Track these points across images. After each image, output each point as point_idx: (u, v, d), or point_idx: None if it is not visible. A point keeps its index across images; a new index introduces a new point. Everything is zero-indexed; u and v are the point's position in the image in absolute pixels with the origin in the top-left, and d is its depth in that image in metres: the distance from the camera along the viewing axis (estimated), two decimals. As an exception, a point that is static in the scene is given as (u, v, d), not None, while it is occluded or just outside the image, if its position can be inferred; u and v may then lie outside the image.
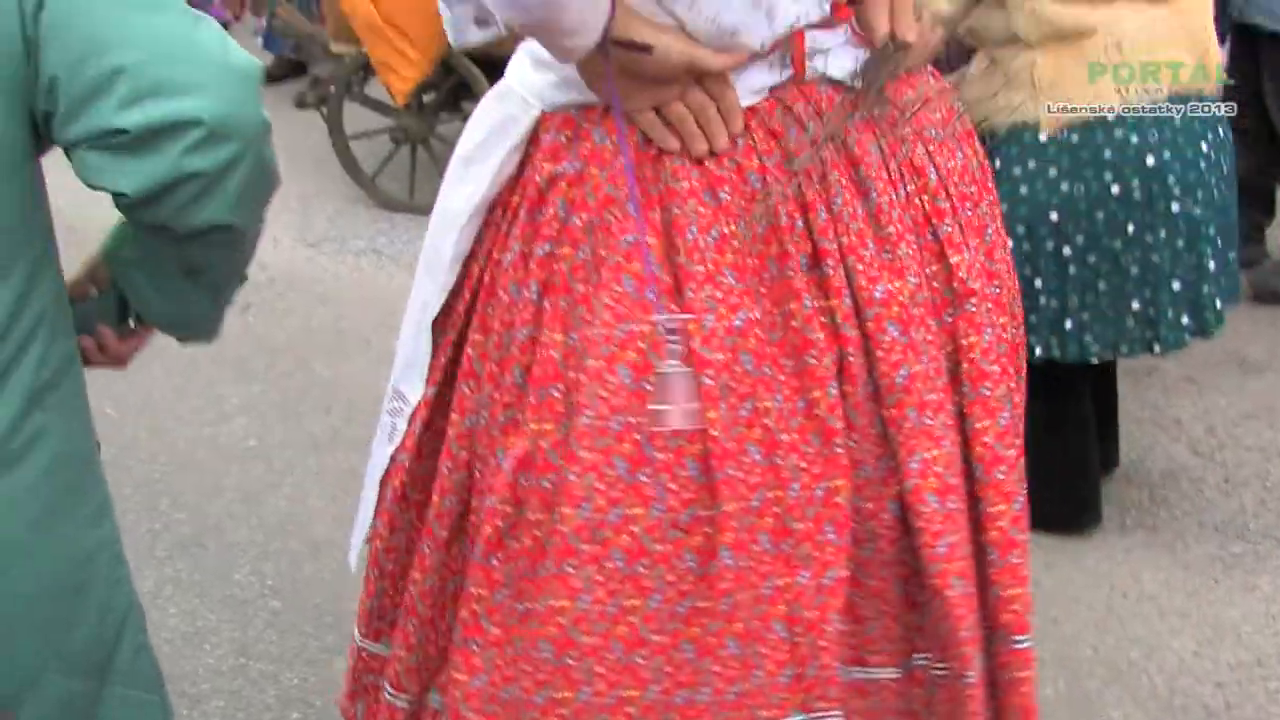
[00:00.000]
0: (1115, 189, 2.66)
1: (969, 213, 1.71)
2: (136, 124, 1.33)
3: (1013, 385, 1.73)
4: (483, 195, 1.76)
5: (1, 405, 1.42)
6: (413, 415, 1.85)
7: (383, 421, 1.92)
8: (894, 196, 1.63)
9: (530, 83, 1.72)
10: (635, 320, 1.56)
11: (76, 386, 1.55)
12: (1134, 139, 2.64)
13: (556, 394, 1.62)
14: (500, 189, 1.75)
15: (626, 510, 1.57)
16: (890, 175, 1.63)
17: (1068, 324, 2.73)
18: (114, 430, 3.58)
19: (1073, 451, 3.01)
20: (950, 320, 1.66)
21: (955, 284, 1.66)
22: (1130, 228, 2.68)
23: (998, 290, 1.72)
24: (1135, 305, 2.73)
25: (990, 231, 1.74)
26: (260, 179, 1.44)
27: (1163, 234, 2.69)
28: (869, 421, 1.62)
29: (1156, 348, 2.79)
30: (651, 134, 1.60)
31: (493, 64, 4.65)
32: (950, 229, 1.67)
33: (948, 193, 1.68)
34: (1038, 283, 2.73)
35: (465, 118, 2.09)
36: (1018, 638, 1.70)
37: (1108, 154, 2.65)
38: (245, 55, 1.40)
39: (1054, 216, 2.69)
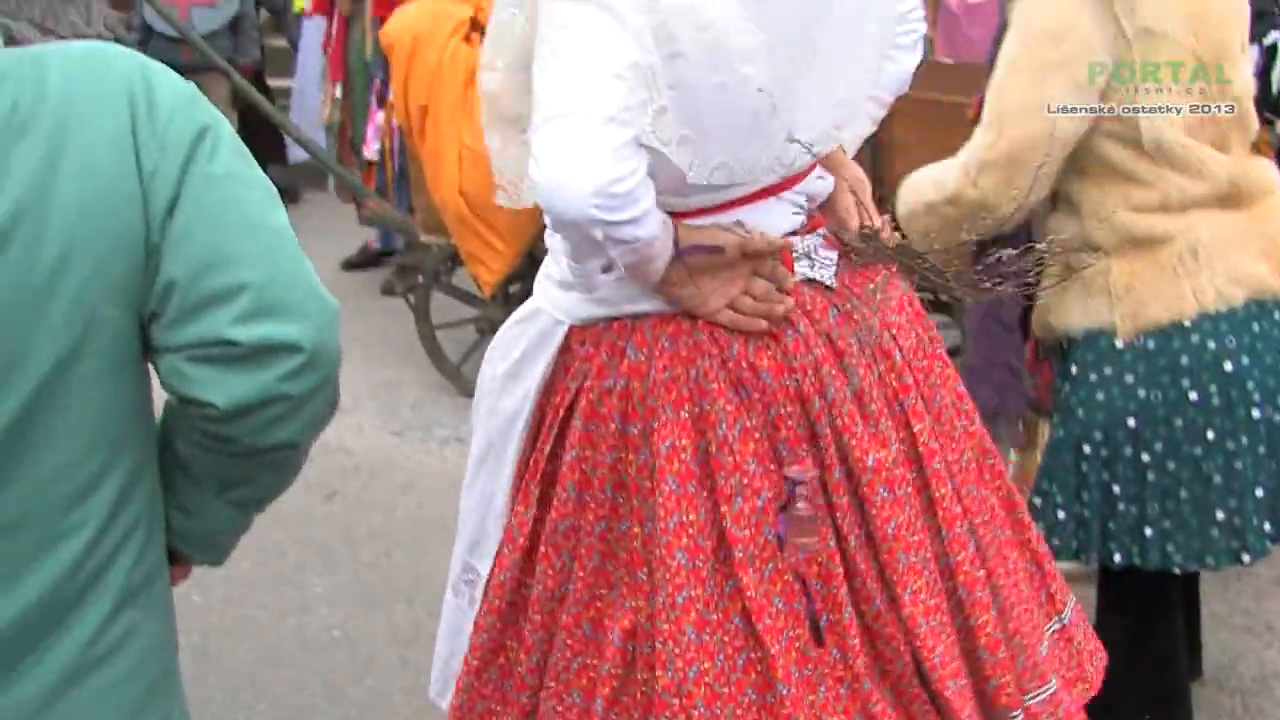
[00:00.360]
0: (1193, 395, 2.65)
1: (923, 384, 2.11)
2: (250, 339, 1.38)
3: (978, 521, 2.13)
4: (532, 404, 2.13)
5: (94, 604, 1.46)
6: (487, 584, 2.21)
7: (458, 589, 2.32)
8: (871, 379, 2.03)
9: (558, 302, 2.10)
10: (681, 512, 1.95)
11: (166, 587, 1.59)
12: (1211, 345, 2.65)
13: (643, 577, 2.00)
14: (542, 395, 2.12)
15: (700, 666, 1.95)
16: (866, 360, 2.03)
17: (1148, 532, 2.69)
18: (198, 617, 3.63)
19: (1162, 662, 2.93)
20: (916, 477, 2.05)
21: (920, 448, 2.06)
22: (1210, 434, 2.66)
23: (945, 446, 2.11)
24: (1220, 515, 2.69)
25: (938, 397, 2.14)
26: (330, 408, 1.51)
27: (1244, 440, 2.67)
28: (869, 566, 2.01)
29: (1245, 558, 2.73)
30: (736, 327, 1.97)
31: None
32: (914, 401, 2.07)
33: (910, 368, 2.09)
34: (1115, 489, 2.71)
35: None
36: (1015, 713, 2.12)
37: (1185, 360, 2.65)
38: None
39: (1132, 423, 2.68)
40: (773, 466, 1.97)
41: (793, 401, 1.97)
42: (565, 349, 2.10)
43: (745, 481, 1.95)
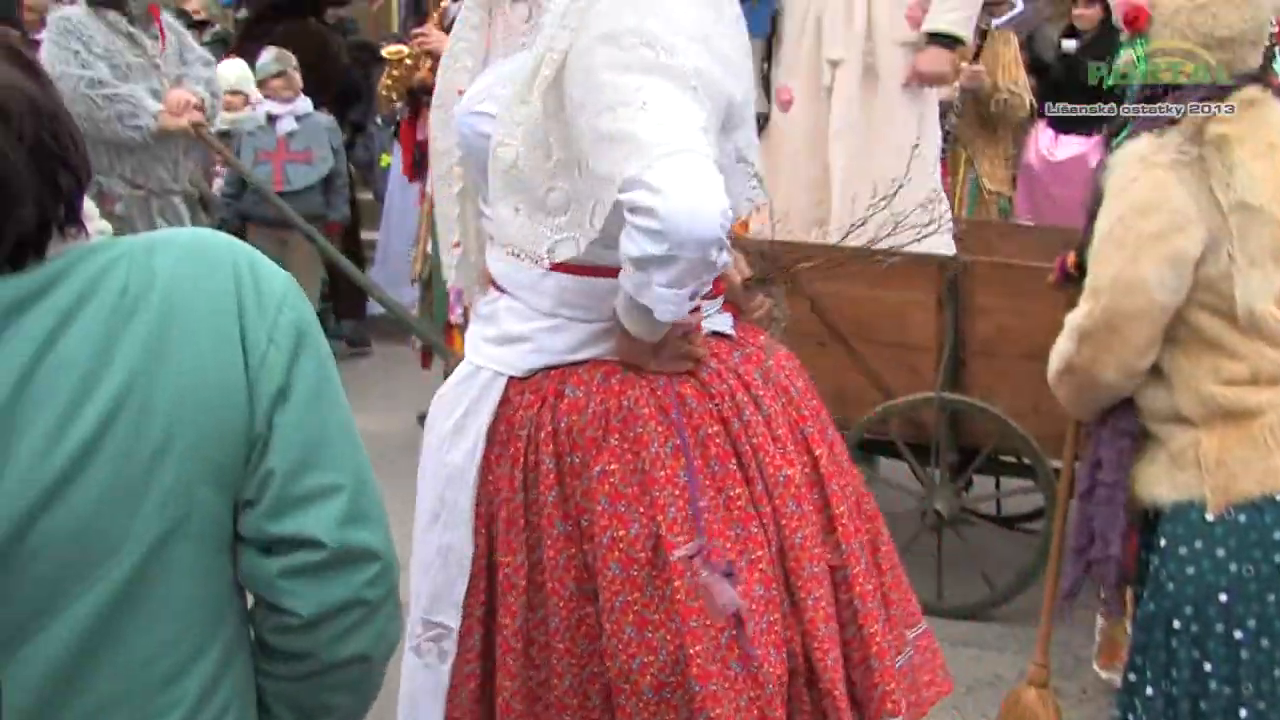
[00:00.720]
0: (1286, 570, 2.60)
1: (815, 419, 2.41)
2: (341, 543, 1.42)
3: (864, 539, 2.40)
4: (480, 454, 2.34)
5: None
6: (464, 634, 2.37)
7: (421, 649, 2.42)
8: (776, 408, 2.33)
9: (497, 357, 2.36)
10: (613, 528, 2.19)
11: None
12: (1304, 520, 2.60)
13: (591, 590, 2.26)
14: (488, 447, 2.33)
15: (643, 660, 2.19)
16: (771, 393, 2.34)
17: (1242, 713, 2.62)
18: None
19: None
20: (818, 496, 2.33)
21: (821, 470, 2.35)
22: (1304, 610, 2.60)
23: (839, 472, 2.41)
24: (1314, 693, 2.61)
25: (829, 433, 2.44)
26: (398, 621, 1.54)
27: (1338, 616, 2.61)
28: (778, 573, 2.25)
29: (1340, 738, 2.64)
30: (663, 370, 2.26)
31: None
32: (812, 430, 2.38)
33: (805, 404, 2.40)
34: (1207, 667, 2.64)
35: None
36: (898, 718, 2.32)
37: (1277, 535, 2.60)
38: None
39: (1223, 598, 2.63)
40: (707, 481, 2.23)
41: (716, 423, 2.26)
42: (505, 401, 2.34)
43: (676, 493, 2.20)
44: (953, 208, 6.10)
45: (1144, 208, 2.64)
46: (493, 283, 2.41)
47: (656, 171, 1.96)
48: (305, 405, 1.43)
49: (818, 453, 2.36)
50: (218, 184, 6.89)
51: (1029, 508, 4.97)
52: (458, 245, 2.47)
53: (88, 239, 1.44)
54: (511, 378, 2.33)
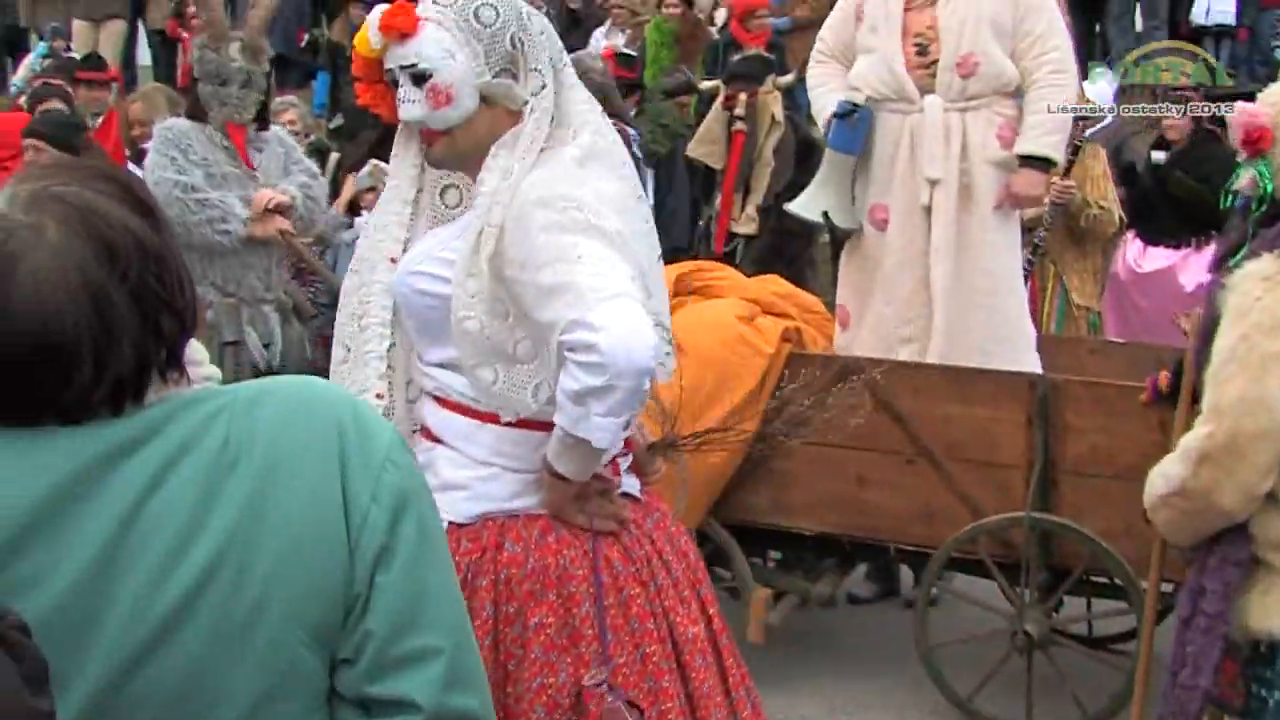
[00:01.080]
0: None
1: (706, 582, 2.68)
2: (439, 708, 1.38)
3: (748, 684, 2.67)
4: None
5: None
6: None
7: None
8: (680, 571, 2.60)
9: (438, 503, 2.39)
10: (543, 675, 2.42)
11: None
12: None
13: None
14: None
15: None
16: (675, 556, 2.60)
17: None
18: None
19: None
20: (712, 649, 2.59)
21: (714, 626, 2.62)
22: None
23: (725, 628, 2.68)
24: None
25: (714, 593, 2.72)
26: None
27: None
28: None
29: None
30: (588, 526, 2.48)
31: (742, 530, 4.75)
32: (706, 592, 2.66)
33: (698, 565, 2.68)
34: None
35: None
36: None
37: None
38: None
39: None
40: (626, 637, 2.46)
41: (637, 585, 2.50)
42: None
43: (597, 648, 2.43)
44: (1042, 324, 6.06)
45: (1270, 327, 2.60)
46: (428, 434, 2.59)
47: (596, 313, 2.21)
48: (406, 566, 1.39)
49: (711, 611, 2.64)
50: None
51: (1121, 629, 4.87)
52: (380, 397, 2.60)
53: (189, 385, 1.43)
54: (451, 523, 2.47)
